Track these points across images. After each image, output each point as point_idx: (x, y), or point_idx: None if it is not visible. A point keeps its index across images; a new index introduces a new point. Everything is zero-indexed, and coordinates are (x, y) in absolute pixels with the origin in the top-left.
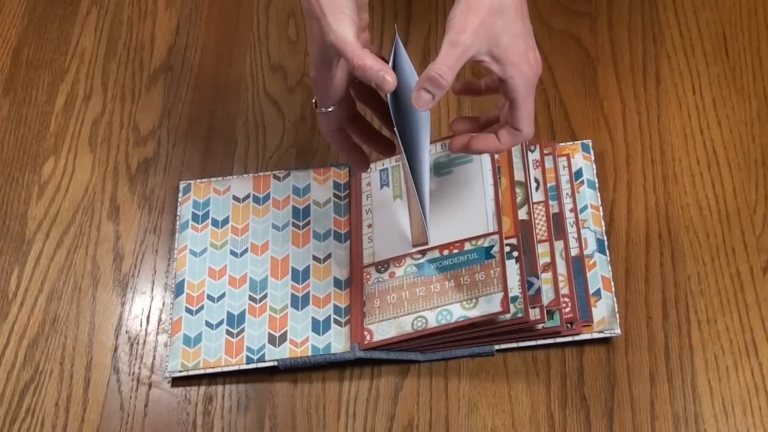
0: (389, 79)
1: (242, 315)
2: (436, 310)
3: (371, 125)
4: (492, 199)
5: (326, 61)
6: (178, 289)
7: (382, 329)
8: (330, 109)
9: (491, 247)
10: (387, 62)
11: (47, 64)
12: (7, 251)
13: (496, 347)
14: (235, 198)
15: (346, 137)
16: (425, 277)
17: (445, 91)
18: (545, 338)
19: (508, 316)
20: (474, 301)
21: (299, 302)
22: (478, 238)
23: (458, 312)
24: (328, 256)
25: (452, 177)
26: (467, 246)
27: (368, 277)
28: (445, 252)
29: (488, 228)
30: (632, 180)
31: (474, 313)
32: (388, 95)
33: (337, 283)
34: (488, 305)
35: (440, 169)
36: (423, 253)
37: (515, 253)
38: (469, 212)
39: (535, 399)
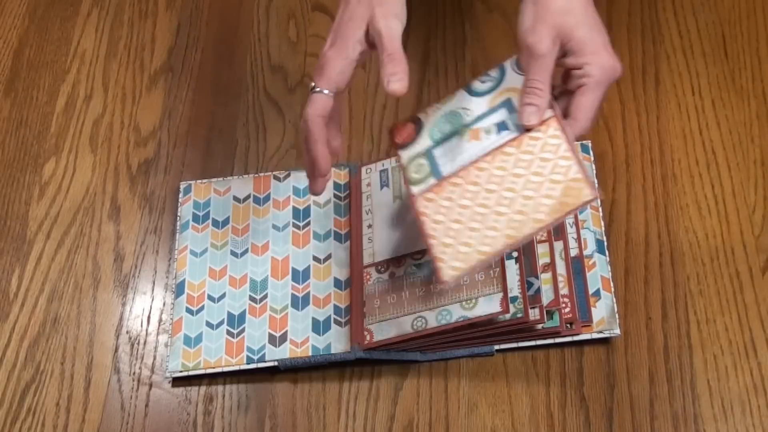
0: (394, 87)
1: (242, 315)
2: (436, 310)
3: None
4: None
5: (359, 40)
6: (179, 290)
7: (382, 329)
8: (326, 92)
9: None
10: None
11: (48, 64)
12: (8, 251)
13: (496, 347)
14: (236, 198)
15: (324, 128)
16: (425, 277)
17: (547, 99)
18: (545, 338)
19: (507, 316)
20: (474, 301)
21: (299, 302)
22: None
23: (458, 312)
24: (329, 257)
25: None
26: None
27: (368, 277)
28: None
29: None
30: (632, 180)
31: (474, 313)
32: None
33: (338, 283)
34: (488, 305)
35: None
36: (422, 253)
37: (515, 254)
38: None
39: (535, 399)
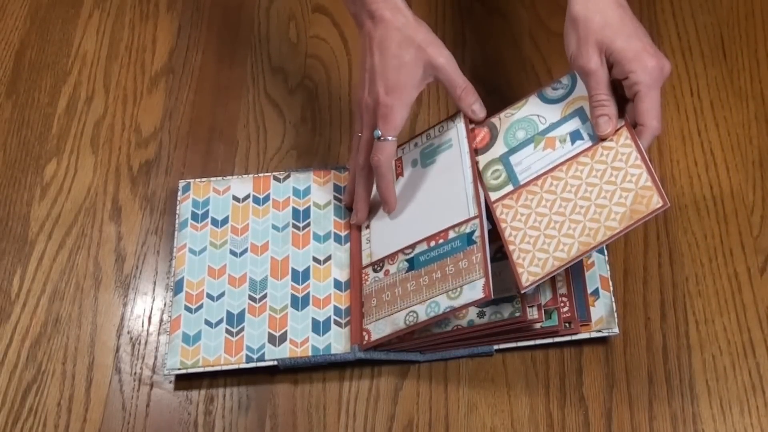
0: (480, 115)
1: (242, 314)
2: (426, 303)
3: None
4: (471, 182)
5: (415, 84)
6: (177, 287)
7: (378, 328)
8: (392, 138)
9: (472, 232)
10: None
11: (50, 66)
12: (9, 252)
13: (495, 347)
14: (235, 198)
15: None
16: (415, 271)
17: (615, 107)
18: (544, 338)
19: (508, 314)
20: (459, 290)
21: (299, 303)
22: (460, 224)
23: (445, 303)
24: (328, 258)
25: (435, 166)
26: (451, 234)
27: (366, 277)
28: (432, 243)
29: (469, 213)
30: None
31: (459, 302)
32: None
33: (338, 284)
34: (471, 293)
35: (425, 159)
36: (413, 247)
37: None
38: (451, 199)
39: (534, 399)
